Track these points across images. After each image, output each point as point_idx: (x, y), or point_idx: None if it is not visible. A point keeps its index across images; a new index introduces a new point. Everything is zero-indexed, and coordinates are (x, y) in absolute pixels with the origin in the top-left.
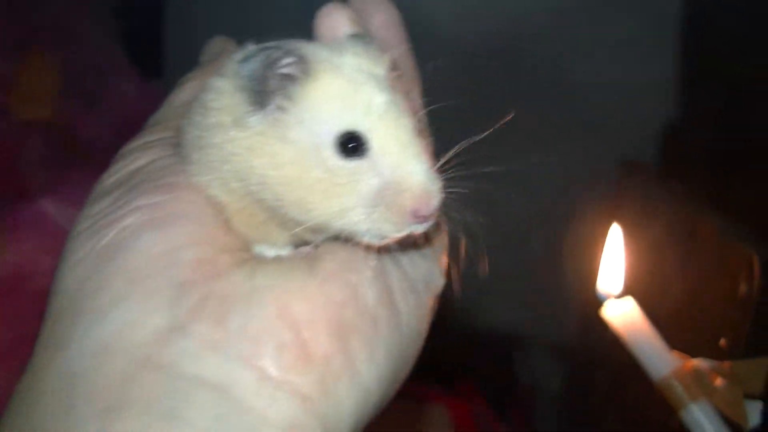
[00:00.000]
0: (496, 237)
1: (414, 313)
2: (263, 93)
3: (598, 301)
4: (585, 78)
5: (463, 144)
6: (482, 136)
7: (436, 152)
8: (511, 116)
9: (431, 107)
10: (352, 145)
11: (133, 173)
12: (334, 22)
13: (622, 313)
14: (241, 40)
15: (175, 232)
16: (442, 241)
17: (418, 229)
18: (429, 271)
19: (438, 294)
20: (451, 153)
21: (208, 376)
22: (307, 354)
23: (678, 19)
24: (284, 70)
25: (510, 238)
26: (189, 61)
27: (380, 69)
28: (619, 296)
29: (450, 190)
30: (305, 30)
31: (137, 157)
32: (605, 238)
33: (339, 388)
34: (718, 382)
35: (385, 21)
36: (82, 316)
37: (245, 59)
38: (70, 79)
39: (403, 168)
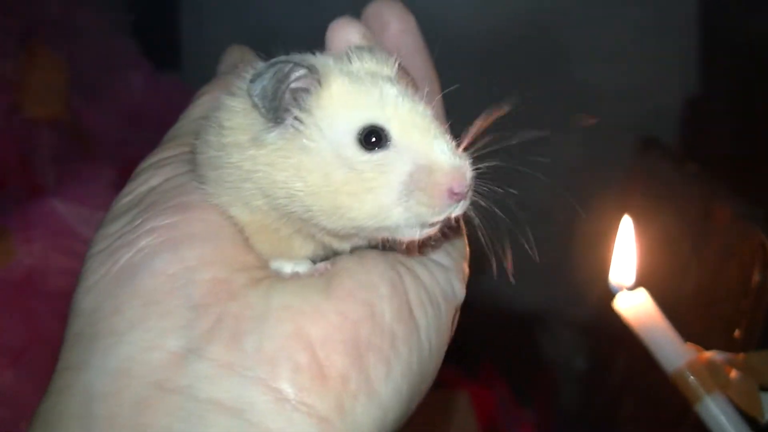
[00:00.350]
0: (516, 218)
1: (433, 327)
2: (278, 109)
3: (611, 292)
4: (604, 56)
5: (482, 120)
6: (499, 114)
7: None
8: (525, 100)
9: (448, 90)
10: (373, 138)
11: (147, 193)
12: (346, 36)
13: (634, 305)
14: (256, 34)
15: (190, 252)
16: (461, 249)
17: (456, 210)
18: (448, 283)
19: (459, 305)
20: (474, 128)
21: (225, 399)
22: (323, 375)
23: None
24: (296, 84)
25: (530, 218)
26: (206, 52)
27: (388, 70)
28: (632, 288)
29: (478, 167)
30: (317, 14)
31: (152, 176)
32: (618, 228)
33: (356, 408)
34: (733, 374)
35: (401, 28)
36: (99, 338)
37: (255, 77)
38: (78, 74)
39: (430, 149)
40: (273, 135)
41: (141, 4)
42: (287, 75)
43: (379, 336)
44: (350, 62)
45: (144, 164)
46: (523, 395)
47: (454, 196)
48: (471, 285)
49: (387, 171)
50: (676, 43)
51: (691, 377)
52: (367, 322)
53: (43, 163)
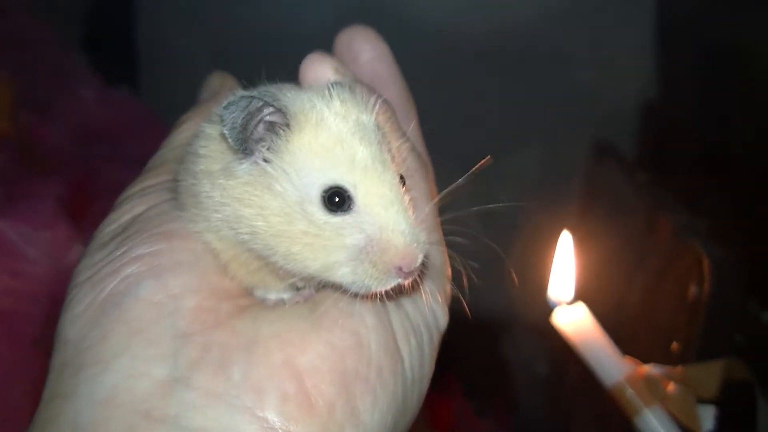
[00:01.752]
0: (478, 223)
1: (416, 356)
2: (246, 141)
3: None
4: (561, 64)
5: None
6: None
7: (441, 153)
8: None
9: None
10: (337, 199)
11: (131, 221)
12: (319, 71)
13: (573, 320)
14: (214, 48)
15: (174, 280)
16: (443, 271)
17: (404, 282)
18: (431, 310)
19: (442, 331)
20: (438, 198)
21: (212, 429)
22: (310, 404)
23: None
24: (267, 119)
25: (491, 223)
26: (162, 65)
27: (367, 115)
28: (571, 303)
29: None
30: (274, 28)
31: (135, 205)
32: (557, 243)
33: None
34: (671, 387)
35: (374, 56)
36: (86, 367)
37: (228, 105)
38: (26, 89)
39: (388, 226)
40: (243, 168)
41: (93, 18)
42: (257, 111)
43: (365, 366)
44: (329, 102)
45: (126, 193)
46: (481, 405)
47: (402, 273)
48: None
49: (343, 235)
50: (633, 50)
51: (630, 391)
52: (354, 352)
53: None
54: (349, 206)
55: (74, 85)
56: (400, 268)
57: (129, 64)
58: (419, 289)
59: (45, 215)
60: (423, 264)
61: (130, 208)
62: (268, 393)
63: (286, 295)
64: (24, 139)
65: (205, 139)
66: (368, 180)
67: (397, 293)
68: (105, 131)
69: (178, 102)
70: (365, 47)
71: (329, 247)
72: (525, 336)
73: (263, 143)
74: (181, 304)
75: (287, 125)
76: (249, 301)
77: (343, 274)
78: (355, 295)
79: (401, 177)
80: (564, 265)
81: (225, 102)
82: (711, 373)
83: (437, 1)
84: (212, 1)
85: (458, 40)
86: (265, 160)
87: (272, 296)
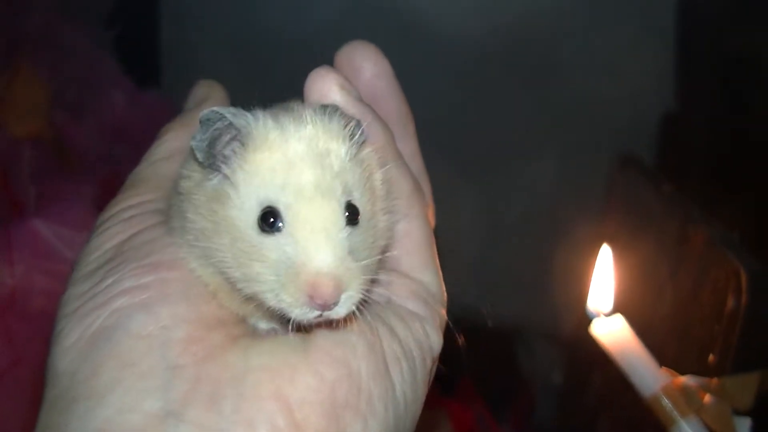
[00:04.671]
0: (497, 232)
1: (408, 382)
2: (213, 157)
3: (588, 317)
4: (582, 74)
5: None
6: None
7: (441, 163)
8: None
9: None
10: (271, 219)
11: (116, 249)
12: (324, 88)
13: (611, 331)
14: (236, 50)
15: (165, 311)
16: (439, 296)
17: (330, 315)
18: (425, 335)
19: (436, 356)
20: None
21: None
22: None
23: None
24: (230, 138)
25: (510, 233)
26: (186, 68)
27: (337, 143)
28: (609, 314)
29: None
30: (302, 31)
31: (119, 230)
32: (595, 251)
33: None
34: (707, 398)
35: (375, 73)
36: (78, 401)
37: (200, 121)
38: (60, 91)
39: (309, 250)
40: (212, 183)
41: (121, 20)
42: (226, 128)
43: (355, 395)
44: (299, 125)
45: (107, 214)
46: (501, 412)
47: (314, 303)
48: (449, 300)
49: (267, 257)
50: (653, 60)
51: (666, 401)
52: (344, 382)
53: (24, 182)
54: (279, 228)
55: (106, 87)
56: (312, 298)
57: (154, 66)
58: (361, 325)
59: (82, 217)
60: (352, 306)
61: (113, 234)
62: (259, 426)
63: (278, 324)
64: (57, 140)
65: (188, 155)
66: (301, 203)
67: (328, 326)
68: (135, 133)
69: None
70: (365, 64)
71: (253, 264)
72: (541, 346)
73: (224, 161)
74: (171, 335)
75: (244, 145)
76: (240, 330)
77: (264, 291)
78: (355, 319)
79: (352, 210)
80: (603, 278)
81: (199, 117)
82: (747, 385)
83: (456, 5)
84: (234, 3)
85: (477, 48)
86: (225, 179)
87: (264, 325)
